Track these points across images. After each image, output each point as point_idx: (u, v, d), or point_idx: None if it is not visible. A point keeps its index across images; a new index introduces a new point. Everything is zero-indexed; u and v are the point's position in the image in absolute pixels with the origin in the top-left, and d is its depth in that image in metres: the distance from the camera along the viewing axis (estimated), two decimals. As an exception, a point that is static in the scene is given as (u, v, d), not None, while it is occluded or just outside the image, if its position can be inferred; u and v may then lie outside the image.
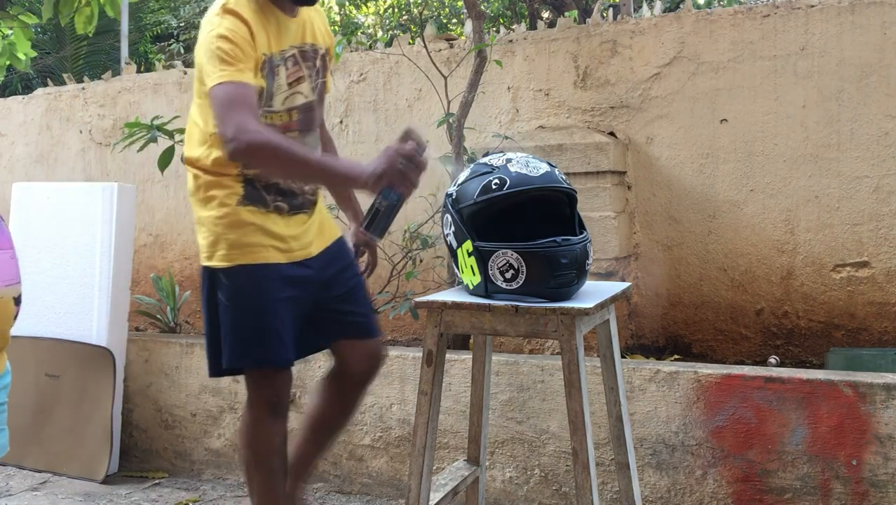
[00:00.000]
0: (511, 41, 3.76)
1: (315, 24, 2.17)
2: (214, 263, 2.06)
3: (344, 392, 2.24)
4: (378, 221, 1.79)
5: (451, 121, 3.30)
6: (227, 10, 1.95)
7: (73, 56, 9.28)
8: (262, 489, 2.12)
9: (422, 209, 3.77)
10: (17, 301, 1.61)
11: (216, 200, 2.03)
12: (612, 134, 3.50)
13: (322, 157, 1.98)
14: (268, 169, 1.97)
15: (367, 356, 2.20)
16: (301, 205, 2.12)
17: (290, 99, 2.08)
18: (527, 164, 1.87)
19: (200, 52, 1.97)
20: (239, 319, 2.06)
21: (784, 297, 3.28)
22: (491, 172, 1.87)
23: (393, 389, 3.02)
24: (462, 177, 1.96)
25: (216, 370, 2.15)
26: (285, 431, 2.15)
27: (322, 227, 2.21)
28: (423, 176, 1.79)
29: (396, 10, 8.41)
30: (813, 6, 3.22)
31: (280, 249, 2.06)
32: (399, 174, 1.76)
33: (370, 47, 4.30)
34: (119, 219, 3.41)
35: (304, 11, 2.13)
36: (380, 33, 7.99)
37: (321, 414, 2.28)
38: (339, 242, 2.26)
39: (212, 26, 1.95)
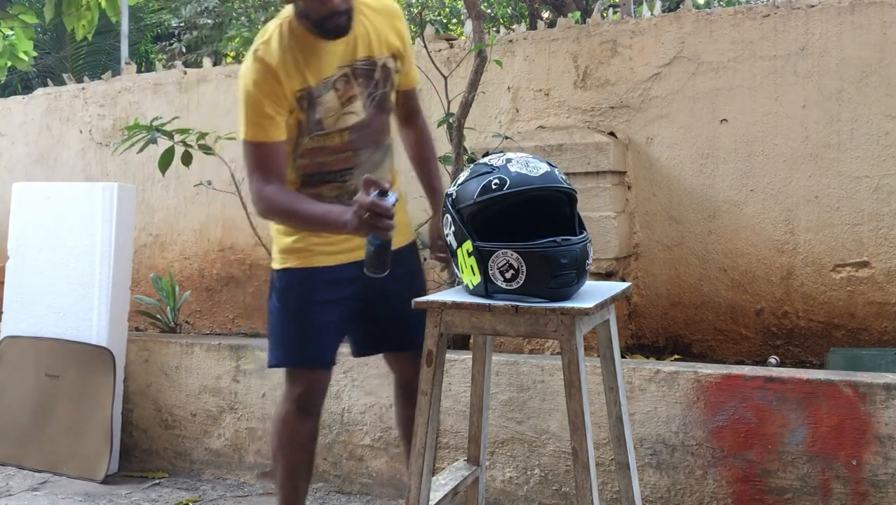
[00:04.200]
0: (511, 41, 3.76)
1: (372, 34, 2.13)
2: (273, 266, 2.25)
3: (407, 400, 2.35)
4: (371, 262, 1.90)
5: (451, 121, 3.30)
6: (256, 58, 2.05)
7: (73, 56, 9.29)
8: (280, 480, 2.25)
9: (422, 209, 3.77)
10: None
11: None
12: (612, 134, 3.50)
13: (318, 211, 2.03)
14: (282, 224, 2.17)
15: (411, 364, 2.28)
16: None
17: (343, 119, 2.12)
18: (527, 164, 1.87)
19: (238, 88, 2.10)
20: (282, 318, 2.20)
21: (784, 297, 3.28)
22: (491, 172, 1.87)
23: (393, 389, 3.01)
24: (462, 177, 1.95)
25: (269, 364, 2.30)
26: (311, 430, 2.25)
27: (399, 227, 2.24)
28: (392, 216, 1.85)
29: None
30: (813, 6, 3.22)
31: (328, 253, 2.16)
32: (367, 224, 1.84)
33: (370, 47, 4.29)
34: (119, 219, 3.41)
35: (358, 26, 2.09)
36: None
37: (401, 422, 2.43)
38: (406, 249, 2.32)
39: (244, 72, 2.07)
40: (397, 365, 2.39)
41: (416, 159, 2.40)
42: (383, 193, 1.84)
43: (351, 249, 2.16)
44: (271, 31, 2.08)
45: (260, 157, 2.06)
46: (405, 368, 2.34)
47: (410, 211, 3.87)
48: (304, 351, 2.18)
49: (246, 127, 2.06)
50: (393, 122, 2.34)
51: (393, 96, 2.24)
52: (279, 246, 2.22)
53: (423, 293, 2.30)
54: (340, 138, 2.13)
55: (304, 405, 2.20)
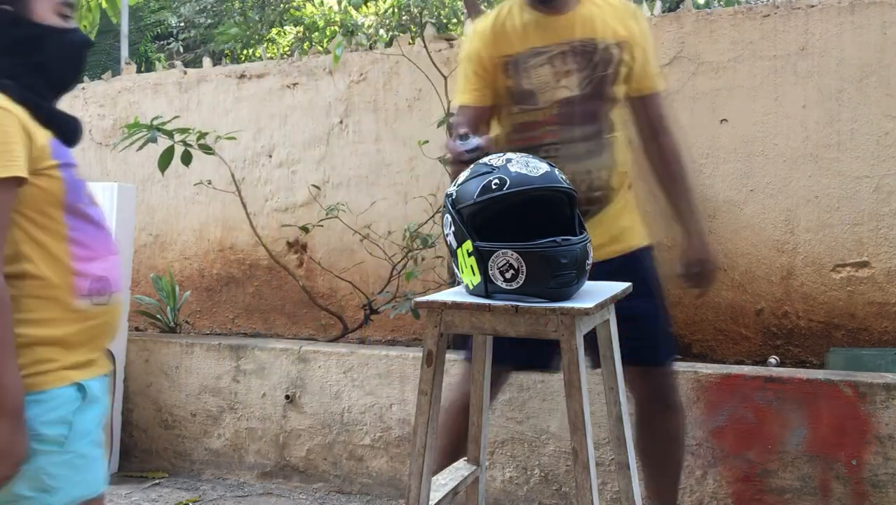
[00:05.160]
0: (511, 41, 3.75)
1: (597, 19, 2.15)
2: None
3: (642, 417, 2.24)
4: None
5: (451, 121, 3.30)
6: (472, 28, 2.23)
7: (73, 56, 9.24)
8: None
9: (422, 209, 3.78)
10: None
11: None
12: (612, 134, 3.49)
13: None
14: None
15: (642, 382, 2.19)
16: None
17: (555, 94, 2.12)
18: (527, 164, 1.86)
19: None
20: None
21: (784, 297, 3.28)
22: (491, 172, 1.87)
23: (393, 389, 3.02)
24: (462, 177, 1.95)
25: None
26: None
27: (612, 234, 2.15)
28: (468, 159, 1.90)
29: (396, 10, 8.41)
30: (813, 6, 3.22)
31: None
32: (451, 165, 1.96)
33: (370, 47, 4.30)
34: (119, 219, 3.41)
35: (583, 7, 2.15)
36: (381, 32, 7.99)
37: (637, 443, 2.26)
38: (634, 256, 2.19)
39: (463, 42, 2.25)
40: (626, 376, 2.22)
41: (660, 179, 2.29)
42: (464, 138, 1.88)
43: None
44: (497, 7, 2.22)
45: (459, 117, 2.19)
46: (632, 382, 2.18)
47: (410, 212, 3.91)
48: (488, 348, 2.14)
49: (458, 93, 2.21)
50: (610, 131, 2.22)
51: (621, 90, 2.17)
52: None
53: (654, 305, 2.16)
54: (550, 111, 2.13)
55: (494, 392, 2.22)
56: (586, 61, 2.12)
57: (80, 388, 1.46)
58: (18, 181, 1.34)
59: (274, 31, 7.53)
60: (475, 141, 1.89)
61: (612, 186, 2.15)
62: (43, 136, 1.40)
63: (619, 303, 2.02)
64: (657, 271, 2.24)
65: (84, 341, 1.49)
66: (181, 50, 7.27)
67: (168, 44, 7.39)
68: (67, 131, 1.49)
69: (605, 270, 2.07)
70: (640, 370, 2.17)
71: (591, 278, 2.06)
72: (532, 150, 2.10)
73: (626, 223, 2.21)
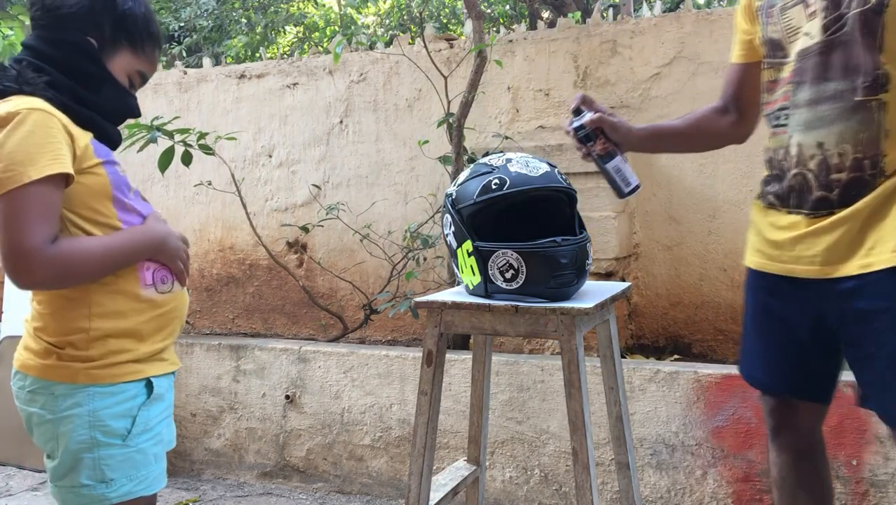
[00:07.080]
0: (511, 41, 3.76)
1: None
2: None
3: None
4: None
5: (451, 121, 3.30)
6: None
7: (73, 56, 9.24)
8: None
9: (422, 209, 3.78)
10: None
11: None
12: (612, 134, 3.49)
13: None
14: None
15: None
16: (796, 201, 1.63)
17: (797, 42, 1.63)
18: (527, 164, 1.87)
19: None
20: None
21: (784, 297, 3.28)
22: (491, 172, 1.87)
23: (393, 389, 3.02)
24: (462, 177, 1.95)
25: None
26: (784, 465, 1.83)
27: (863, 241, 1.55)
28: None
29: (397, 10, 8.42)
30: (813, 6, 3.22)
31: (764, 254, 1.77)
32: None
33: (370, 47, 4.30)
34: (119, 219, 3.41)
35: None
36: (380, 32, 7.99)
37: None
38: (891, 276, 1.53)
39: None
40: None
41: None
42: (576, 113, 1.85)
43: (795, 261, 1.66)
44: None
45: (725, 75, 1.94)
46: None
47: (410, 212, 3.91)
48: (741, 361, 1.92)
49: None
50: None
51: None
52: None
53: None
54: (789, 68, 1.65)
55: (769, 428, 1.85)
56: None
57: (148, 383, 1.51)
58: (66, 178, 1.39)
59: (274, 31, 7.54)
60: (581, 118, 1.84)
61: (868, 168, 1.54)
62: (84, 137, 1.46)
63: (869, 338, 1.57)
64: None
65: (155, 330, 1.54)
66: (184, 54, 7.26)
67: (171, 47, 7.39)
68: (108, 134, 1.55)
69: (843, 291, 1.58)
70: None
71: (818, 298, 1.61)
72: (769, 118, 1.73)
73: (890, 226, 1.54)
